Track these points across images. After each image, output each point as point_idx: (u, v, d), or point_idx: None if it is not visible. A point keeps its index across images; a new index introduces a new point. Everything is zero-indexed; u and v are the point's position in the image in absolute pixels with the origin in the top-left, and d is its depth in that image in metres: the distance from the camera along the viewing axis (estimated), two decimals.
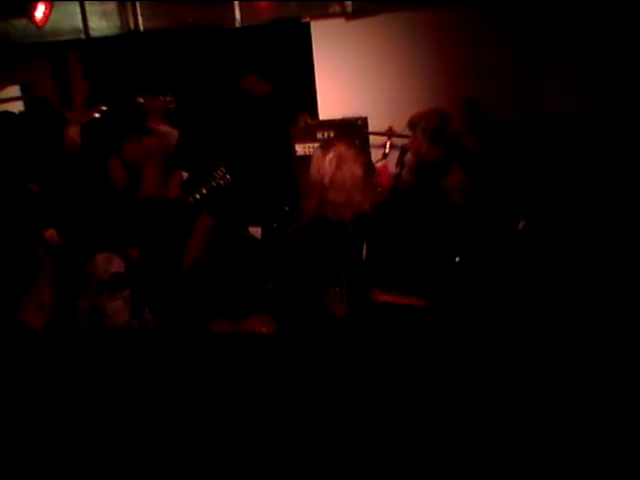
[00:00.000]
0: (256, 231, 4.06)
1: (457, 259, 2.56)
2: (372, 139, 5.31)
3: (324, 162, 2.85)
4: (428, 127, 4.04)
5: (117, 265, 2.22)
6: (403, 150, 5.03)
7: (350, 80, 5.71)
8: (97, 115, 5.12)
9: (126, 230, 2.98)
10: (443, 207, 3.18)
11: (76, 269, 2.26)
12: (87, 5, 5.51)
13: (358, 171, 2.84)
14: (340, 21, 5.69)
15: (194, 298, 1.99)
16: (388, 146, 5.14)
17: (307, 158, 4.99)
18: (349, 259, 2.70)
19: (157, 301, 2.25)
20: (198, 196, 3.31)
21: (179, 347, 1.81)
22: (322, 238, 2.73)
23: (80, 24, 5.52)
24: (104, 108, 5.13)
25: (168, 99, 5.21)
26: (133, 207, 3.19)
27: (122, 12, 5.57)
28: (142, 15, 5.59)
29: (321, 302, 2.55)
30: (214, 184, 3.52)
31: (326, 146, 2.97)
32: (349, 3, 5.57)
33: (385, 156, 5.13)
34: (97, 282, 2.17)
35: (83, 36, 5.57)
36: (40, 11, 5.23)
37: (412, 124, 4.16)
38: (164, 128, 4.39)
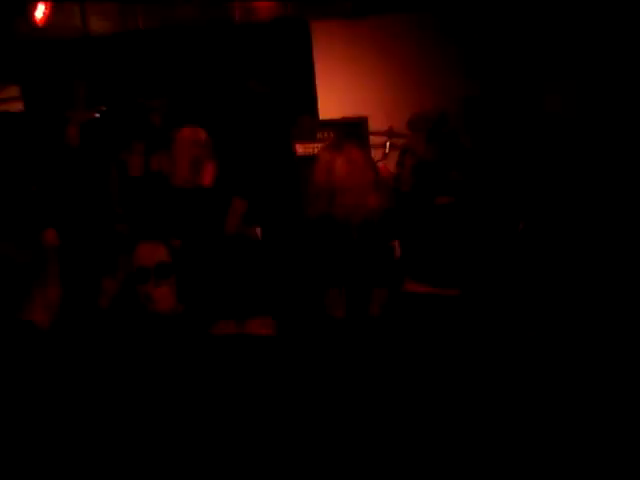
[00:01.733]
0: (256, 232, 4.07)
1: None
2: (372, 139, 5.31)
3: (335, 164, 2.79)
4: (425, 127, 4.05)
5: (162, 254, 2.29)
6: (403, 150, 5.03)
7: (350, 80, 5.71)
8: (97, 115, 5.12)
9: (168, 221, 3.10)
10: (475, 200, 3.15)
11: (104, 251, 2.32)
12: (87, 5, 5.51)
13: (370, 175, 2.81)
14: (340, 21, 5.70)
15: (197, 299, 2.02)
16: (388, 146, 5.14)
17: (308, 158, 4.99)
18: (352, 261, 2.68)
19: (200, 287, 2.32)
20: None
21: (183, 349, 1.82)
22: (326, 239, 2.70)
23: (80, 24, 5.52)
24: (104, 108, 5.13)
25: (167, 99, 5.21)
26: (172, 197, 3.34)
27: (122, 12, 5.57)
28: (142, 15, 5.59)
29: (321, 302, 2.55)
30: None
31: (335, 147, 2.91)
32: (349, 3, 5.57)
33: (385, 156, 5.13)
34: (141, 269, 2.23)
35: (83, 36, 5.57)
36: (40, 11, 5.23)
37: (411, 124, 4.16)
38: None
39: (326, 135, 5.21)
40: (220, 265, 2.20)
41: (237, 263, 2.24)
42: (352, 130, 5.17)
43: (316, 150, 4.43)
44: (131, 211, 3.67)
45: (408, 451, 1.66)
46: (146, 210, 3.47)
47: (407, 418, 1.68)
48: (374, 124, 5.21)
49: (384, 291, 2.60)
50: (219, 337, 1.77)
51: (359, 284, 2.68)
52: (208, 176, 3.53)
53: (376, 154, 5.19)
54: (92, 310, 2.25)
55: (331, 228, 2.72)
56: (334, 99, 5.73)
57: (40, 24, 5.27)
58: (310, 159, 3.31)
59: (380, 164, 5.03)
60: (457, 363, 1.75)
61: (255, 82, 4.99)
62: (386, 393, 1.69)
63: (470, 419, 1.62)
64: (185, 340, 1.93)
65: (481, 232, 2.64)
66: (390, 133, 5.16)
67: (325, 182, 2.81)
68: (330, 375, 1.78)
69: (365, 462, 1.66)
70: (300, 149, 5.23)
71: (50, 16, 5.29)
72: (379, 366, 1.74)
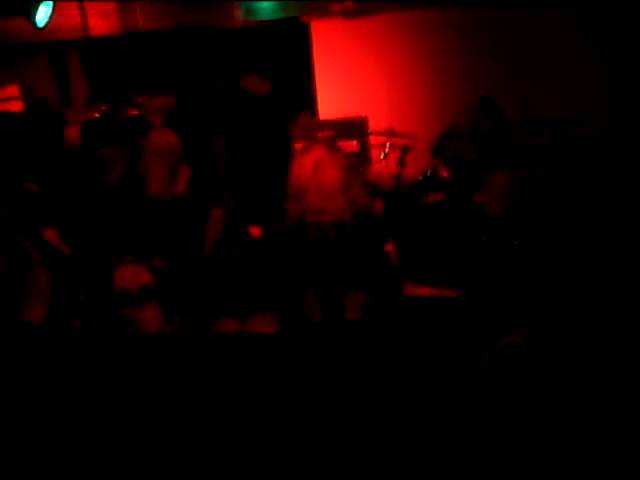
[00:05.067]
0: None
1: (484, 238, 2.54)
2: (372, 139, 5.31)
3: (303, 166, 2.80)
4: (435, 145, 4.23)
5: (144, 277, 2.24)
6: (403, 150, 5.04)
7: (350, 80, 5.72)
8: (97, 115, 5.13)
9: (147, 240, 3.01)
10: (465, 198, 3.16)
11: (102, 277, 2.28)
12: (87, 5, 5.51)
13: (337, 176, 2.77)
14: (340, 21, 5.70)
15: (200, 298, 2.02)
16: (388, 146, 5.14)
17: None
18: (328, 264, 2.66)
19: (186, 305, 2.29)
20: None
21: (188, 348, 1.82)
22: (300, 242, 2.69)
23: (80, 24, 5.52)
24: (104, 108, 5.13)
25: (167, 99, 5.21)
26: (147, 212, 3.21)
27: (122, 12, 5.58)
28: (142, 15, 5.59)
29: (300, 306, 2.55)
30: None
31: (306, 150, 2.93)
32: (349, 3, 5.58)
33: (385, 156, 5.13)
34: (124, 294, 2.18)
35: (83, 36, 5.57)
36: (40, 11, 5.23)
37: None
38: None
39: (326, 135, 5.21)
40: (213, 271, 2.21)
41: (236, 264, 2.24)
42: (352, 130, 5.16)
43: None
44: (109, 228, 3.48)
45: (406, 455, 1.66)
46: (124, 227, 3.31)
47: (404, 420, 1.68)
48: (374, 124, 5.21)
49: (360, 295, 2.59)
50: (220, 336, 1.77)
51: (333, 289, 2.67)
52: (182, 183, 3.39)
53: (376, 154, 5.20)
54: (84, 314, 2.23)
55: (305, 231, 2.71)
56: (334, 99, 5.73)
57: (40, 24, 5.27)
58: None
59: (380, 164, 5.06)
60: (456, 366, 1.75)
61: (257, 77, 4.96)
62: (382, 397, 1.69)
63: (470, 424, 1.62)
64: (184, 342, 1.93)
65: (478, 230, 2.63)
66: (390, 133, 5.16)
67: (295, 183, 2.82)
68: (324, 377, 1.78)
69: (365, 464, 1.66)
70: (300, 149, 5.23)
71: (50, 16, 5.29)
72: (365, 371, 1.73)
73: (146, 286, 2.19)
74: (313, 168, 2.77)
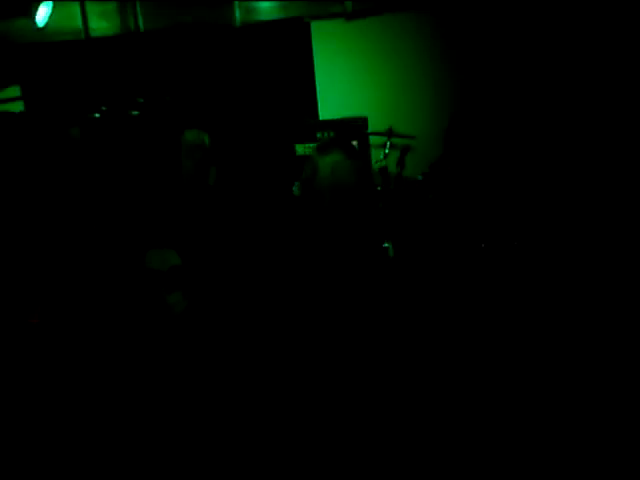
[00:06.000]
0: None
1: (483, 245, 2.54)
2: (372, 139, 5.32)
3: (318, 166, 2.76)
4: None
5: (174, 259, 2.29)
6: (403, 150, 5.04)
7: (350, 80, 5.72)
8: (97, 115, 5.13)
9: (178, 226, 3.13)
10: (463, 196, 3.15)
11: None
12: (87, 5, 5.52)
13: (353, 181, 2.74)
14: (340, 21, 5.70)
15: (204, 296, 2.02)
16: (388, 146, 5.15)
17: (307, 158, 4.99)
18: (329, 263, 2.65)
19: (212, 291, 2.31)
20: None
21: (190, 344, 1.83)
22: (309, 244, 2.68)
23: (80, 24, 5.52)
24: (104, 108, 5.14)
25: (167, 99, 5.22)
26: (176, 200, 3.38)
27: (122, 12, 5.58)
28: (142, 15, 5.60)
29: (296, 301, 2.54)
30: None
31: (323, 148, 2.88)
32: (349, 3, 5.58)
33: (385, 156, 5.14)
34: (154, 275, 2.23)
35: (83, 36, 5.58)
36: (40, 11, 5.23)
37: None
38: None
39: (326, 135, 5.21)
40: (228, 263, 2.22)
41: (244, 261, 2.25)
42: (352, 130, 5.17)
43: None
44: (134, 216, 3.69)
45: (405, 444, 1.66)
46: (150, 216, 3.49)
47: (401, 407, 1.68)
48: (374, 124, 5.22)
49: (357, 294, 2.59)
50: (223, 333, 1.78)
51: (332, 288, 2.66)
52: (210, 180, 3.57)
53: (376, 154, 5.21)
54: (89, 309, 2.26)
55: (314, 233, 2.69)
56: (334, 99, 5.74)
57: (40, 24, 5.27)
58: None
59: (380, 164, 5.06)
60: (455, 363, 1.74)
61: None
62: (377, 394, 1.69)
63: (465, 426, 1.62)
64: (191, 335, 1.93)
65: (476, 231, 2.64)
66: (390, 133, 5.17)
67: (308, 182, 2.77)
68: (321, 373, 1.78)
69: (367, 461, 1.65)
70: (299, 149, 5.23)
71: (50, 16, 5.29)
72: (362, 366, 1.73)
73: (175, 267, 2.24)
74: (330, 170, 2.72)
